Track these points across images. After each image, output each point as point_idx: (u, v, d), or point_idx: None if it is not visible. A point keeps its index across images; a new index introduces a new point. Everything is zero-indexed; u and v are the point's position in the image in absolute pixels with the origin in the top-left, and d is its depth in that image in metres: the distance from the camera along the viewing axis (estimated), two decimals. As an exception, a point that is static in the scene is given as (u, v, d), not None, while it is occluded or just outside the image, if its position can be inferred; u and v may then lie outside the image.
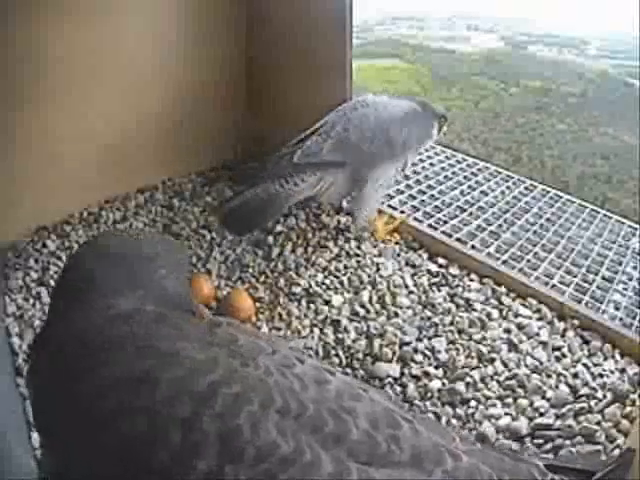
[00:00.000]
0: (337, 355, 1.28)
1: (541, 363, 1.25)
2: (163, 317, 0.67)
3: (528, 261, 1.70)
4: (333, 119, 1.51)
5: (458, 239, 1.76)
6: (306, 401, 0.62)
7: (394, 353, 1.27)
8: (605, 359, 1.27)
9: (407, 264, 1.59)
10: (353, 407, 0.65)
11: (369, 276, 1.52)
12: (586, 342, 1.32)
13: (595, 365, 1.25)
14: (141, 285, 0.69)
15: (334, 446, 0.59)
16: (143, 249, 0.74)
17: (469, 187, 2.14)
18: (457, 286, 1.49)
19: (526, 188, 2.19)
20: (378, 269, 1.55)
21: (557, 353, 1.28)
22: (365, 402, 0.67)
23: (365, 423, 0.63)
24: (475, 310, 1.41)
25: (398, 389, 1.20)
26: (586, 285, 1.62)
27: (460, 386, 1.19)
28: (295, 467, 0.56)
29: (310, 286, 1.49)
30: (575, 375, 1.22)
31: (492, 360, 1.26)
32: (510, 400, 1.16)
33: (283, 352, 0.71)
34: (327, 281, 1.51)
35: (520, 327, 1.35)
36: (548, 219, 1.98)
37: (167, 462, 0.54)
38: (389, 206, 1.92)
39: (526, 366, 1.24)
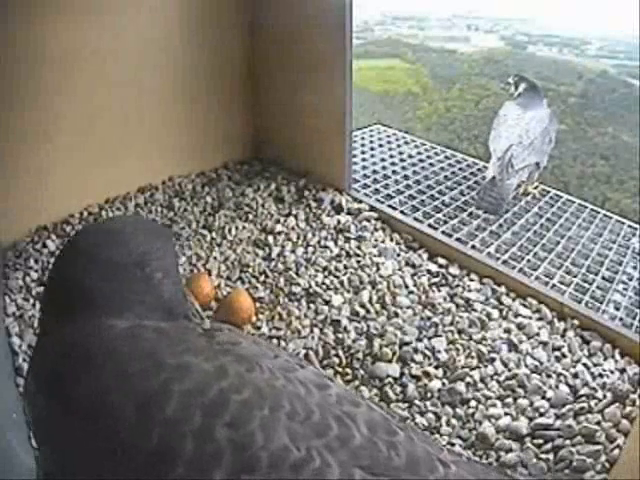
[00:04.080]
0: (337, 355, 1.28)
1: (541, 363, 1.25)
2: (164, 331, 0.66)
3: (528, 261, 1.70)
4: (515, 134, 2.03)
5: (458, 239, 1.76)
6: (311, 405, 0.62)
7: (394, 353, 1.27)
8: (605, 359, 1.27)
9: (407, 264, 1.59)
10: (354, 413, 0.65)
11: (369, 276, 1.52)
12: (586, 342, 1.32)
13: (595, 365, 1.25)
14: (136, 295, 0.68)
15: (339, 451, 0.59)
16: (132, 251, 0.70)
17: (469, 187, 2.15)
18: (457, 286, 1.49)
19: (526, 188, 2.19)
20: (378, 269, 1.55)
21: (557, 353, 1.28)
22: (363, 408, 0.67)
23: (365, 429, 0.63)
24: (475, 310, 1.41)
25: (398, 389, 1.20)
26: (586, 285, 1.62)
27: (460, 386, 1.19)
28: (305, 473, 0.55)
29: (310, 286, 1.49)
30: (575, 375, 1.22)
31: (492, 360, 1.26)
32: (510, 400, 1.16)
33: (284, 357, 0.70)
34: (327, 281, 1.51)
35: (520, 327, 1.35)
36: (548, 219, 1.98)
37: (184, 475, 0.54)
38: (389, 206, 1.92)
39: (526, 366, 1.24)
